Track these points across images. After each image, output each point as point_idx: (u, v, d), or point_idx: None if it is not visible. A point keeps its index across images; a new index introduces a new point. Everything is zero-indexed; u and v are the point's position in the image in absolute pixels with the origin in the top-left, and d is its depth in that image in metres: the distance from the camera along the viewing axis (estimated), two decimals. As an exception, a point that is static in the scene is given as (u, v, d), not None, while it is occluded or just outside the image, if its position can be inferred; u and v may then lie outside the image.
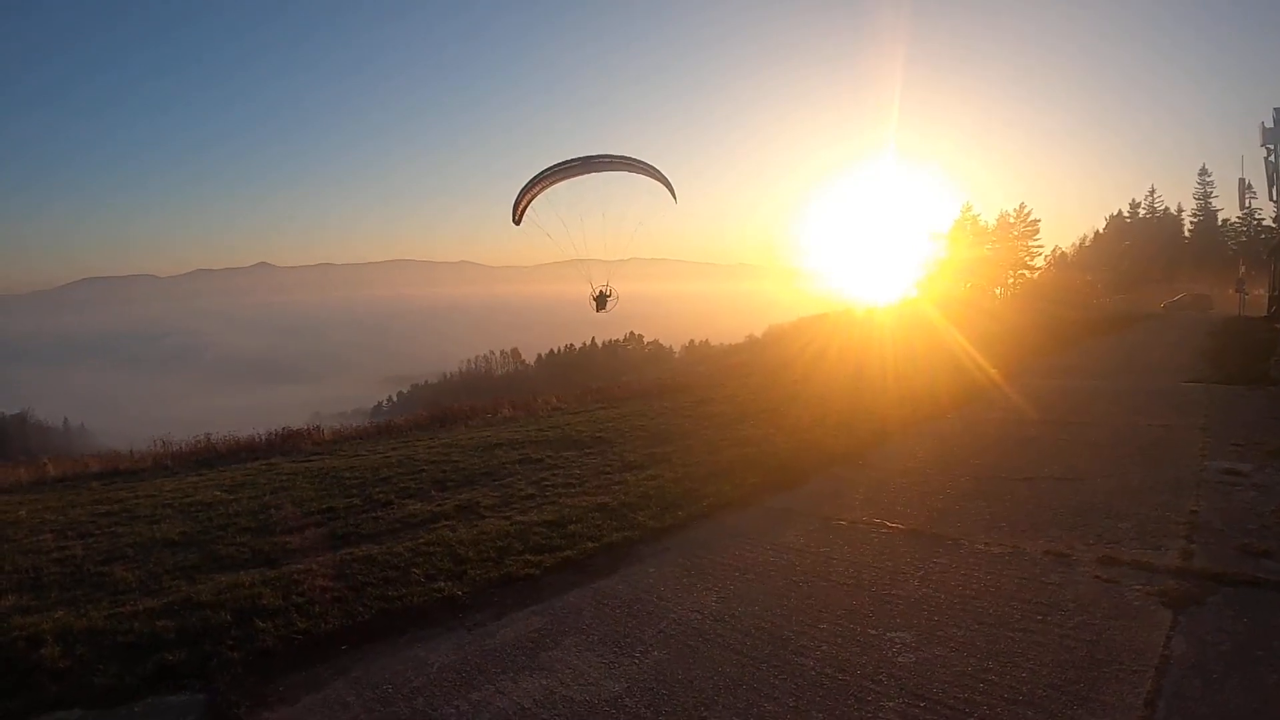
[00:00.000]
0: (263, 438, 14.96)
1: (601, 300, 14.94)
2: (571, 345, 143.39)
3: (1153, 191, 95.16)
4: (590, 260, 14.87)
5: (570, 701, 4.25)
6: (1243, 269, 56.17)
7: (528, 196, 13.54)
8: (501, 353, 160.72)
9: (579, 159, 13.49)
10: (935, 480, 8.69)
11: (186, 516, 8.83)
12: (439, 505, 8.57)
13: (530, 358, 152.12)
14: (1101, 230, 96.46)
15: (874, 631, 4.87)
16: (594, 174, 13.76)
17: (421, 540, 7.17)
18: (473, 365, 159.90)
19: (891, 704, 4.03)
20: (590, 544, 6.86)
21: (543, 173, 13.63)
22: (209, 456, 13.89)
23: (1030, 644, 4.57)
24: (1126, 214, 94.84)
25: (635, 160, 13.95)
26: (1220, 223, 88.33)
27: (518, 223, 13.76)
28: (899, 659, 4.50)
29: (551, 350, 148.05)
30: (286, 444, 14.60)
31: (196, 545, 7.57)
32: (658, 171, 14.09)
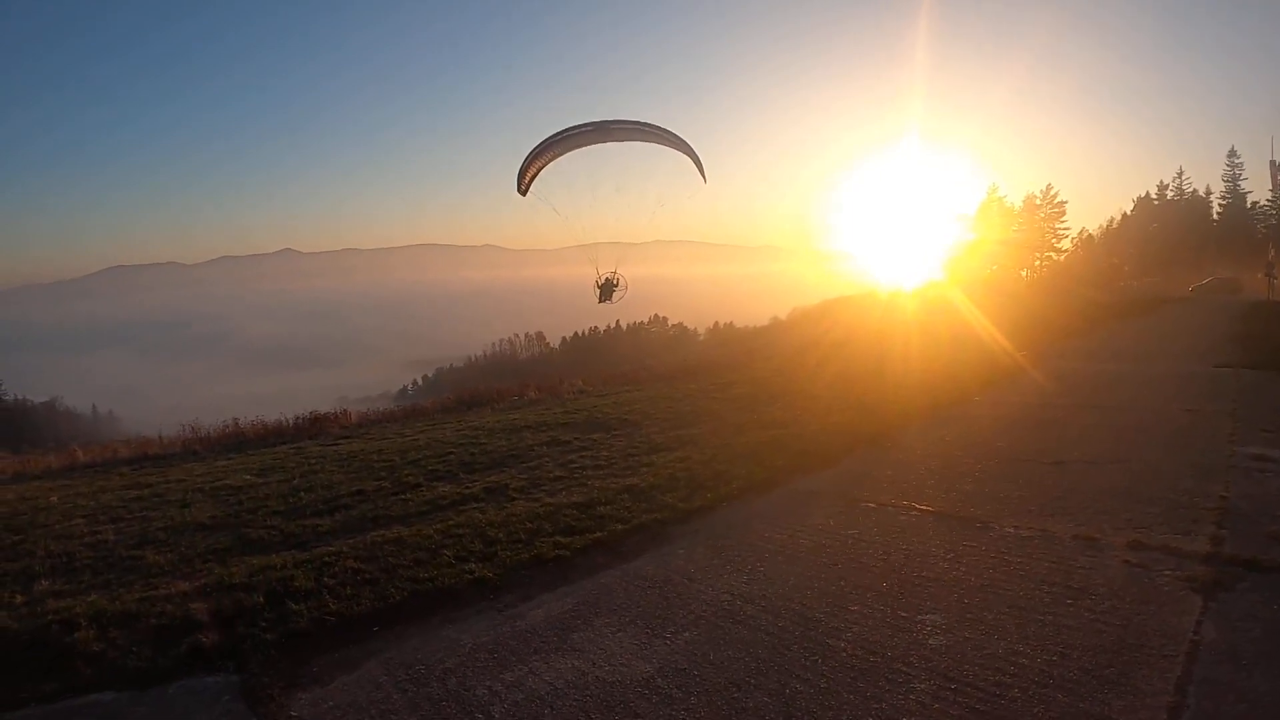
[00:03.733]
0: (291, 422, 15.09)
1: (607, 289, 13.18)
2: (595, 328, 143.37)
3: (1181, 173, 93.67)
4: (604, 243, 13.31)
5: (602, 682, 4.29)
6: (1272, 252, 55.19)
7: (536, 164, 12.26)
8: (526, 336, 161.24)
9: (593, 124, 11.91)
10: (962, 463, 8.66)
11: (217, 500, 8.93)
12: (468, 487, 8.64)
13: (555, 341, 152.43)
14: (1129, 212, 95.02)
15: (904, 614, 4.88)
16: (611, 143, 12.19)
17: (451, 522, 7.24)
18: (497, 348, 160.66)
19: (922, 686, 4.04)
20: (620, 526, 6.91)
21: (553, 137, 12.03)
22: (238, 441, 14.05)
23: (1060, 628, 4.56)
24: (1154, 196, 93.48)
25: (657, 128, 12.23)
26: (1249, 205, 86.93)
27: (523, 193, 12.39)
28: (929, 641, 4.51)
29: (576, 333, 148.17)
30: (314, 428, 14.73)
31: (227, 528, 7.66)
32: (685, 144, 12.48)
